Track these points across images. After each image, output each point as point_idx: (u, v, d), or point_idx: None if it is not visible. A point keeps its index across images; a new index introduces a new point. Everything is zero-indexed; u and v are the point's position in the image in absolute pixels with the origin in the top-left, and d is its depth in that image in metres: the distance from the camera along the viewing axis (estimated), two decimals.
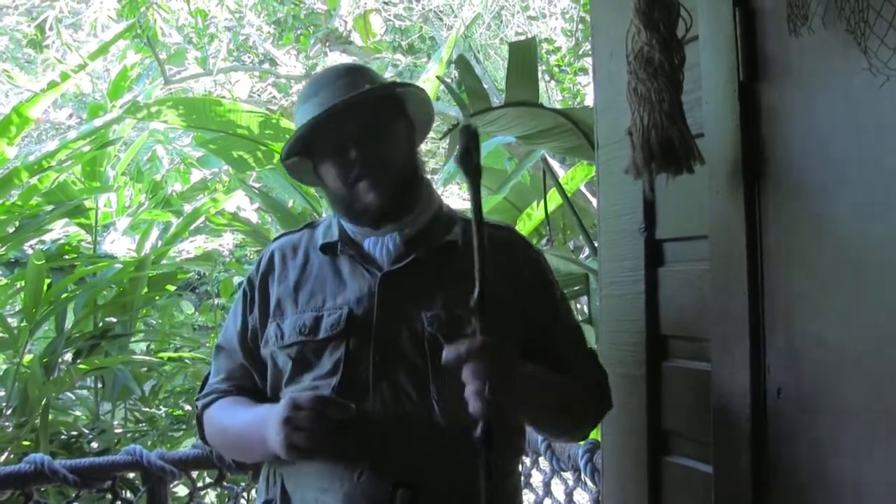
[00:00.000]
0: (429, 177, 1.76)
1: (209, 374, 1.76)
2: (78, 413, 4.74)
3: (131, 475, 3.04)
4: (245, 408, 1.63)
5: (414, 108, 1.67)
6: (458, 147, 1.35)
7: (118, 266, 4.75)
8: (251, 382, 1.68)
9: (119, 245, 5.34)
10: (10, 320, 4.50)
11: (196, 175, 6.67)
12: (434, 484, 1.48)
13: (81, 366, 4.33)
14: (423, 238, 1.63)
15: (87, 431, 4.33)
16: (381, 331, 1.55)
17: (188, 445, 3.87)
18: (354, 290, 1.59)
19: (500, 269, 1.62)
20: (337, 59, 8.43)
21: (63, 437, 4.26)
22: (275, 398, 1.61)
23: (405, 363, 1.53)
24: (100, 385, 4.70)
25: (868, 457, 1.22)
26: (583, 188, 4.53)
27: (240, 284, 1.78)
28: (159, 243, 5.26)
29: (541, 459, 2.63)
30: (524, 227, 4.34)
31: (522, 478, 2.61)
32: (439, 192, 1.83)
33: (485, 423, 1.29)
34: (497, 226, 1.74)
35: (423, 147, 1.76)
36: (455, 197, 7.57)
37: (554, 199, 4.05)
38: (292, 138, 1.60)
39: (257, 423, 1.54)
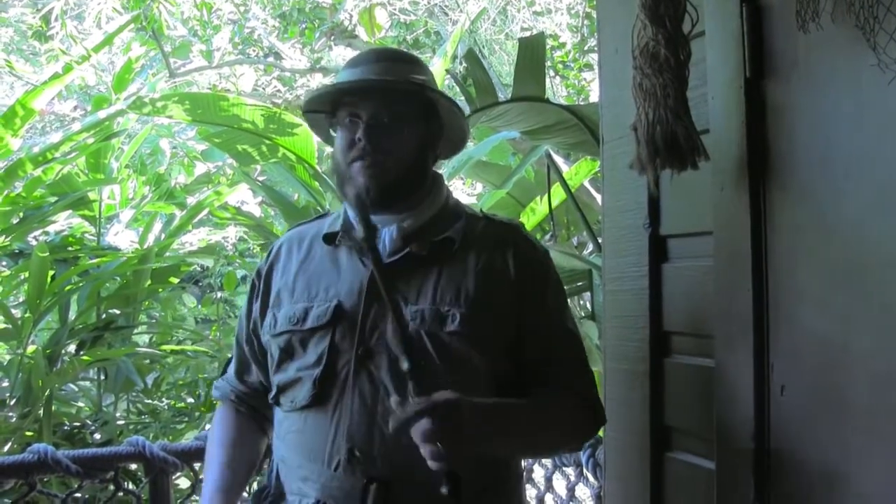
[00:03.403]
0: (440, 172, 1.75)
1: (228, 362, 1.82)
2: (81, 404, 4.76)
3: (133, 466, 3.05)
4: (216, 463, 1.73)
5: (448, 120, 1.66)
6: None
7: (121, 258, 4.75)
8: (254, 388, 1.73)
9: (122, 237, 5.34)
10: (13, 311, 4.51)
11: (200, 168, 6.68)
12: (408, 479, 1.48)
13: (84, 357, 4.34)
14: (423, 233, 1.62)
15: (89, 423, 4.35)
16: (365, 324, 1.55)
17: (190, 437, 3.88)
18: (347, 281, 1.60)
19: (493, 267, 1.62)
20: (342, 53, 8.43)
21: (66, 427, 4.28)
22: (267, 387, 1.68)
23: (386, 358, 1.52)
24: (102, 377, 4.72)
25: (871, 455, 1.22)
26: (587, 184, 4.52)
27: (243, 278, 1.80)
28: (162, 236, 5.26)
29: None
30: (528, 222, 4.35)
31: (524, 473, 2.61)
32: None
33: (448, 478, 1.35)
34: (501, 222, 1.73)
35: None
36: (458, 192, 7.58)
37: (557, 194, 4.05)
38: (320, 91, 1.64)
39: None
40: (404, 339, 1.41)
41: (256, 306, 1.70)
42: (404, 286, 1.57)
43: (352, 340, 1.55)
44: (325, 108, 1.66)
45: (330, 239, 1.65)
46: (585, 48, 7.50)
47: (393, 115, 1.59)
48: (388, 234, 1.61)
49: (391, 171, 1.59)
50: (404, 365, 1.40)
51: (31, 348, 4.29)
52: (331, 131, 1.68)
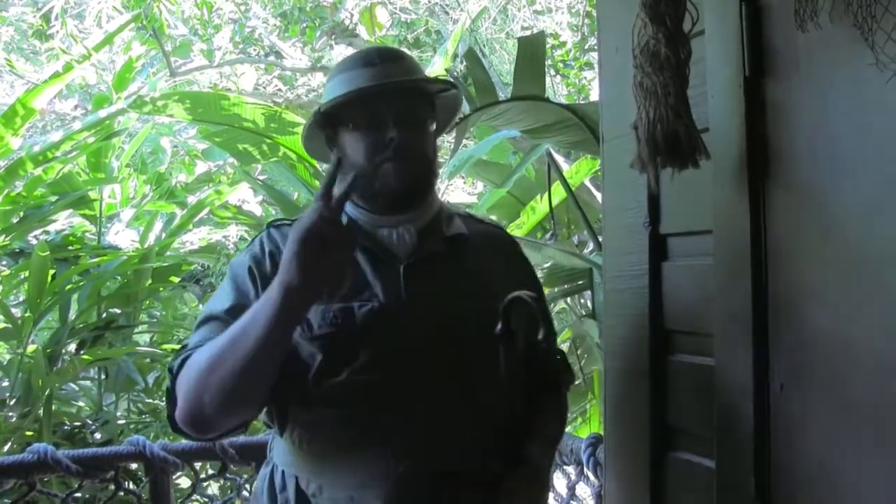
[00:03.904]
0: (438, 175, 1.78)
1: (186, 344, 1.56)
2: (81, 404, 4.76)
3: (134, 466, 3.05)
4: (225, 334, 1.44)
5: (440, 109, 1.68)
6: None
7: (122, 257, 4.76)
8: None
9: (123, 236, 5.35)
10: (14, 310, 4.52)
11: (201, 167, 6.68)
12: (477, 469, 1.50)
13: (85, 356, 4.34)
14: (432, 231, 1.64)
15: (90, 422, 4.36)
16: (413, 321, 1.53)
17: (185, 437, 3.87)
18: (378, 281, 1.56)
19: (501, 264, 1.68)
20: (343, 52, 8.43)
21: (66, 427, 4.28)
22: (294, 393, 1.51)
23: (439, 353, 1.52)
24: (103, 376, 4.72)
25: (871, 453, 1.22)
26: (587, 182, 4.53)
27: None
28: (163, 235, 5.26)
29: None
30: (528, 220, 4.35)
31: None
32: (444, 185, 1.86)
33: None
34: (486, 221, 1.80)
35: None
36: (459, 191, 7.58)
37: (558, 193, 4.05)
38: (335, 99, 1.57)
39: (256, 308, 1.39)
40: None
41: None
42: (438, 281, 1.58)
43: (401, 340, 1.52)
44: (332, 113, 1.61)
45: None
46: (586, 47, 7.50)
47: (417, 114, 1.60)
48: (404, 231, 1.62)
49: (420, 171, 1.61)
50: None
51: (31, 348, 4.29)
52: (340, 139, 1.61)
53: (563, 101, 6.75)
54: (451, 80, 1.70)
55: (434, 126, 1.66)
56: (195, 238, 6.02)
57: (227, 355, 1.40)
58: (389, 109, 1.56)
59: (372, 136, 1.56)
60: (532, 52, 3.36)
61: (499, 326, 1.44)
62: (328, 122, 1.63)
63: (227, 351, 1.40)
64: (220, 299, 1.57)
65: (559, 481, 2.64)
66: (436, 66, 4.79)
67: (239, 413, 1.50)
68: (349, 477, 1.50)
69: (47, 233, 5.03)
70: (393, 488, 1.47)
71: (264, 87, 9.05)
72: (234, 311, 1.51)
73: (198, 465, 2.65)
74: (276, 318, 1.35)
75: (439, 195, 1.74)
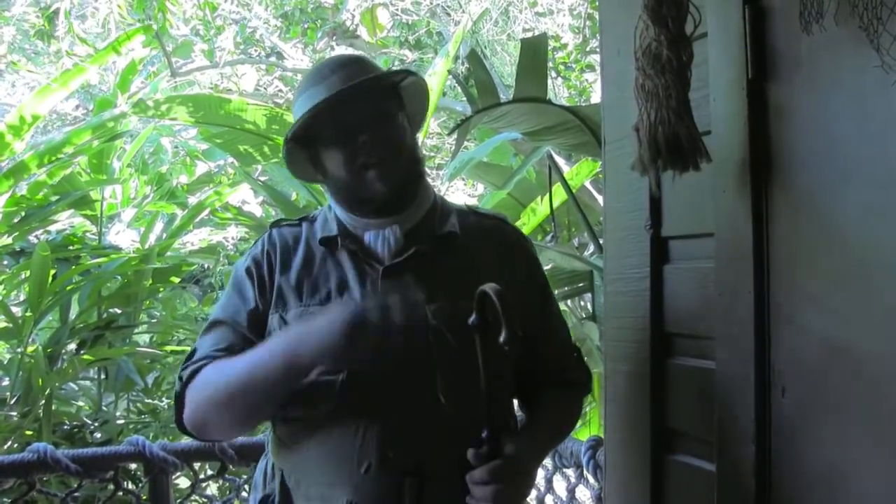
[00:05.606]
0: (426, 170, 1.76)
1: (194, 350, 1.62)
2: (81, 403, 4.76)
3: (133, 466, 3.05)
4: (257, 348, 1.52)
5: (409, 99, 1.67)
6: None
7: (123, 258, 4.76)
8: None
9: (124, 237, 5.35)
10: (14, 310, 4.52)
11: (201, 167, 6.68)
12: (441, 473, 1.49)
13: (85, 356, 4.34)
14: (422, 230, 1.64)
15: (89, 422, 4.35)
16: (388, 322, 1.51)
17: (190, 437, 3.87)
18: (357, 284, 1.58)
19: (495, 259, 1.66)
20: (344, 53, 8.42)
21: (66, 427, 4.28)
22: None
23: (411, 355, 1.52)
24: (103, 376, 4.72)
25: (872, 457, 1.22)
26: (588, 185, 4.53)
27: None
28: (164, 235, 5.27)
29: None
30: (528, 222, 4.35)
31: None
32: (445, 187, 1.85)
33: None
34: (487, 215, 1.78)
35: (428, 142, 1.77)
36: (459, 192, 7.58)
37: (559, 195, 4.05)
38: (298, 122, 1.59)
39: (282, 345, 1.48)
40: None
41: (261, 300, 1.61)
42: (417, 284, 1.57)
43: (376, 338, 1.49)
44: (301, 137, 1.61)
45: (329, 243, 1.63)
46: (587, 49, 7.50)
47: (383, 110, 1.59)
48: (390, 233, 1.61)
49: (402, 170, 1.60)
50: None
51: (31, 347, 4.29)
52: (320, 158, 1.63)
53: (565, 103, 6.75)
54: (409, 68, 1.67)
55: (405, 119, 1.64)
56: (195, 239, 6.02)
57: (227, 398, 1.52)
58: (353, 114, 1.56)
59: (344, 146, 1.57)
60: (534, 54, 3.36)
61: (473, 317, 1.41)
62: (305, 144, 1.64)
63: (228, 394, 1.52)
64: (224, 304, 1.66)
65: (559, 484, 2.64)
66: (437, 68, 4.79)
67: (241, 433, 1.75)
68: (320, 474, 1.53)
69: (48, 233, 5.04)
70: (358, 487, 1.49)
71: (265, 88, 9.06)
72: (237, 315, 1.61)
73: (197, 465, 2.65)
74: (278, 381, 1.49)
75: (432, 193, 1.71)
